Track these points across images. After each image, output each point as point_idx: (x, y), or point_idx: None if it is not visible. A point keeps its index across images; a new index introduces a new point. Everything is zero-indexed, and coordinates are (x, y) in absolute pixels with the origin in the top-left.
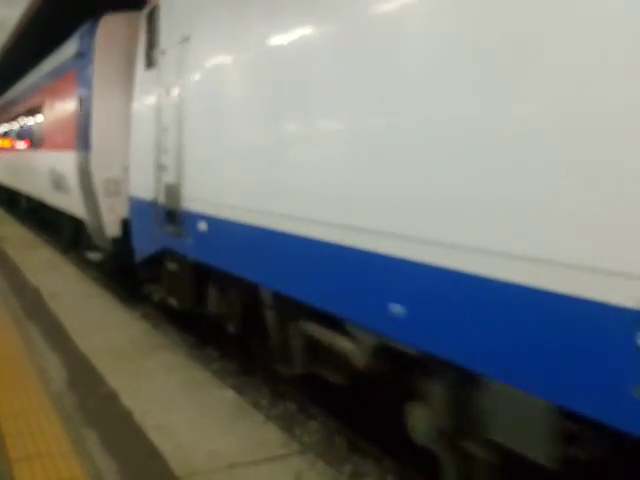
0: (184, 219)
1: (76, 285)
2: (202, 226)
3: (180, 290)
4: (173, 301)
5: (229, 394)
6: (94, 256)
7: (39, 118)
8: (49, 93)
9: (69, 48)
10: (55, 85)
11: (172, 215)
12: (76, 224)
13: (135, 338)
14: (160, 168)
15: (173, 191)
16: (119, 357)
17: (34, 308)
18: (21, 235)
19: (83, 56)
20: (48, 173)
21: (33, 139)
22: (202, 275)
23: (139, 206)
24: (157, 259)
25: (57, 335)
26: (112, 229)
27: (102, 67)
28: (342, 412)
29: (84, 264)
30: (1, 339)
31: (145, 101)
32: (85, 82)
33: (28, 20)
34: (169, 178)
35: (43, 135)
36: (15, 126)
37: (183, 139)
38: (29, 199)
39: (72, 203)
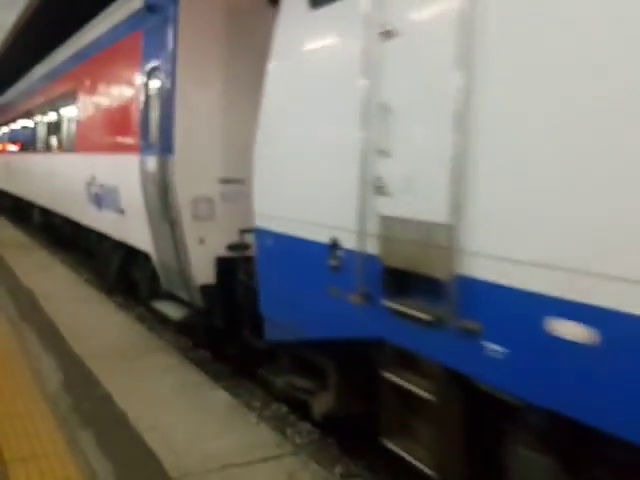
0: (474, 300)
1: (70, 287)
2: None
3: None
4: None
5: (223, 396)
6: (172, 312)
7: (67, 110)
8: (86, 74)
9: (123, 5)
10: (98, 61)
11: (411, 281)
12: (128, 255)
13: (130, 340)
14: (376, 188)
15: (423, 235)
16: (114, 359)
17: (29, 310)
18: (14, 237)
19: (156, 10)
20: (84, 183)
21: (56, 138)
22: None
23: (285, 248)
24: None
25: (52, 337)
26: (202, 272)
27: (193, 24)
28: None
29: (77, 265)
30: None
31: (314, 64)
32: (159, 50)
33: (25, 22)
34: (411, 208)
35: (75, 132)
36: (26, 124)
37: (474, 135)
38: (45, 212)
39: (127, 227)
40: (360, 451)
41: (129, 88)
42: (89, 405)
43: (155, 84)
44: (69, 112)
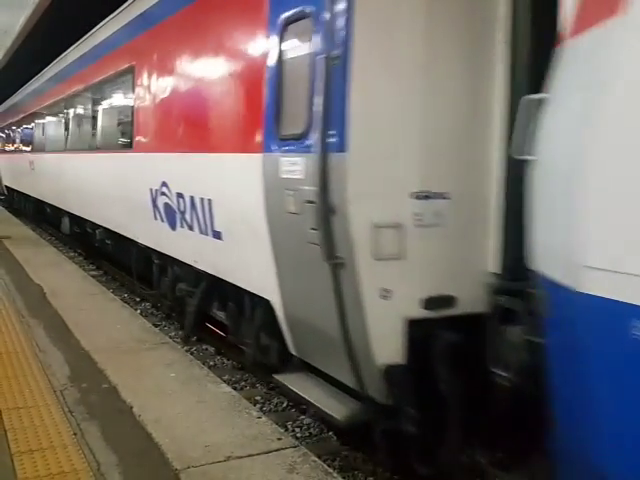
0: None
1: (78, 283)
2: None
3: None
4: None
5: (225, 389)
6: (327, 403)
7: (117, 97)
8: (152, 44)
9: None
10: (172, 25)
11: None
12: (214, 289)
13: (135, 335)
14: None
15: None
16: (120, 353)
17: (37, 305)
18: (24, 234)
19: None
20: (145, 192)
21: (97, 134)
22: None
23: None
24: None
25: (59, 332)
26: (386, 344)
27: None
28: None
29: (86, 262)
30: (5, 335)
31: None
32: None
33: (33, 25)
34: None
35: (132, 125)
36: (53, 118)
37: None
38: (79, 220)
39: (226, 258)
40: (359, 444)
41: (237, 56)
42: (95, 398)
43: (301, 46)
44: (119, 99)
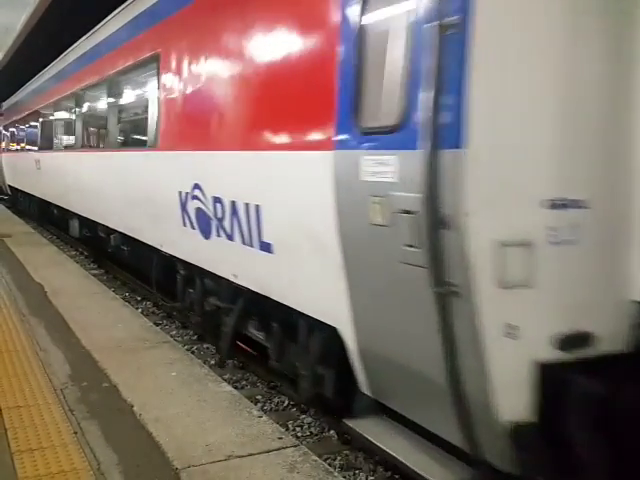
0: None
1: (79, 282)
2: None
3: None
4: None
5: (226, 388)
6: (417, 462)
7: (138, 89)
8: (180, 29)
9: None
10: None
11: None
12: (252, 306)
13: (136, 334)
14: None
15: None
16: (120, 352)
17: (38, 304)
18: (25, 233)
19: None
20: (173, 195)
21: (113, 131)
22: None
23: None
24: None
25: (60, 330)
26: (511, 395)
27: None
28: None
29: (87, 261)
30: (6, 334)
31: None
32: None
33: (34, 24)
34: None
35: (157, 120)
36: (63, 114)
37: None
38: (88, 223)
39: (278, 275)
40: (360, 443)
41: (299, 30)
42: (95, 397)
43: (394, 12)
44: (140, 91)
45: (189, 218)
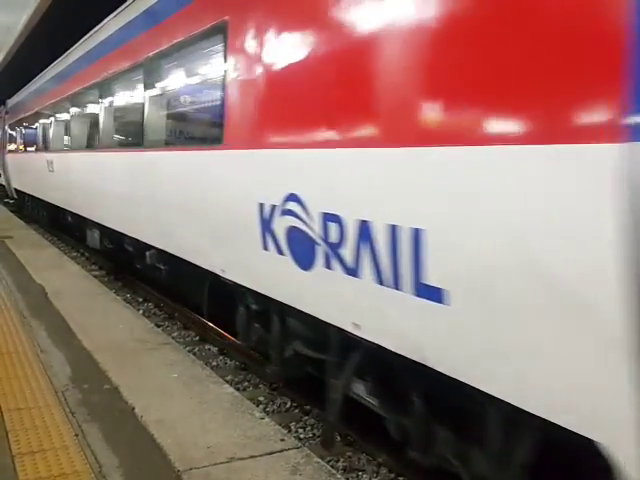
0: None
1: (80, 283)
2: None
3: None
4: None
5: (228, 390)
6: None
7: (185, 71)
8: None
9: None
10: None
11: None
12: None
13: (138, 335)
14: None
15: None
16: (122, 354)
17: (39, 306)
18: (26, 235)
19: None
20: (254, 211)
21: (160, 126)
22: None
23: None
24: None
25: (61, 332)
26: None
27: None
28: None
29: (88, 262)
30: (7, 335)
31: None
32: None
33: (35, 25)
34: None
35: (225, 109)
36: (90, 108)
37: None
38: (117, 236)
39: (471, 341)
40: (363, 445)
41: None
42: (97, 398)
43: None
44: (195, 73)
45: (275, 240)
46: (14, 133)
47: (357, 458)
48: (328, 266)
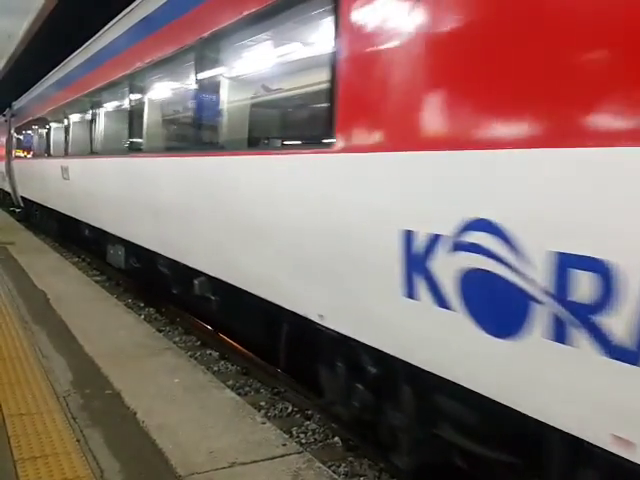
0: None
1: (81, 288)
2: None
3: None
4: None
5: (229, 394)
6: None
7: (263, 50)
8: None
9: None
10: None
11: None
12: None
13: (139, 340)
14: None
15: None
16: (123, 359)
17: (40, 311)
18: (27, 241)
19: None
20: (392, 241)
21: (223, 124)
22: None
23: None
24: None
25: (63, 337)
26: None
27: None
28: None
29: (89, 267)
30: (8, 341)
31: None
32: None
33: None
34: None
35: (336, 96)
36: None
37: None
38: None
39: None
40: (365, 450)
41: None
42: (98, 404)
43: None
44: (274, 53)
45: (434, 285)
46: (21, 137)
47: (359, 463)
48: (560, 338)
